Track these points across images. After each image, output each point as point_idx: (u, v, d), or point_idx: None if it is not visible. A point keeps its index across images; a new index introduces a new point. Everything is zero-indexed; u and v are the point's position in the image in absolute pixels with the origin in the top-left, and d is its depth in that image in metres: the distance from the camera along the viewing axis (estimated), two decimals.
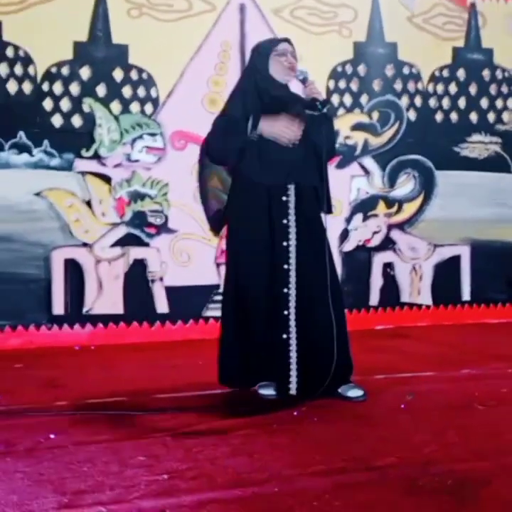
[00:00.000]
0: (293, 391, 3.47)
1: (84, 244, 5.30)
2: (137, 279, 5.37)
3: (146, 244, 5.42)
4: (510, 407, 3.42)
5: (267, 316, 3.51)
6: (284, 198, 3.49)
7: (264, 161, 3.47)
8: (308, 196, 3.53)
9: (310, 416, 3.28)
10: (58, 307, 5.23)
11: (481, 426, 3.14)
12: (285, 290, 3.48)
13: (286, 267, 3.48)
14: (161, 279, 5.42)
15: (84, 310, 5.29)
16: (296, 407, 3.39)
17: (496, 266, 6.07)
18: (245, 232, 3.54)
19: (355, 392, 3.54)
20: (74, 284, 5.26)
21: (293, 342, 3.47)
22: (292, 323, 3.48)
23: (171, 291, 5.43)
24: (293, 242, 3.48)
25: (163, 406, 3.46)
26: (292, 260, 3.48)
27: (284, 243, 3.48)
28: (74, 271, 5.26)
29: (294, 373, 3.47)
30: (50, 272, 5.20)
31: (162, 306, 5.43)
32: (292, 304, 3.48)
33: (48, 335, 5.20)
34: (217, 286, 5.47)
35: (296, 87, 3.68)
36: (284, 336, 3.47)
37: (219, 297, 5.41)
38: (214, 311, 5.43)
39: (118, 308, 5.34)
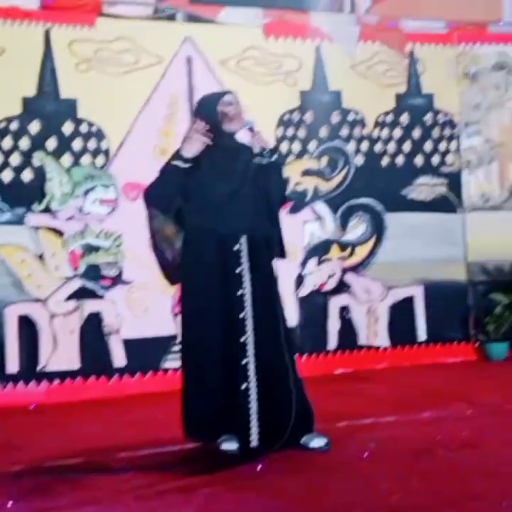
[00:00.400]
0: (254, 443, 3.36)
1: (38, 300, 5.13)
2: (93, 332, 5.22)
3: (101, 297, 5.28)
4: (472, 451, 3.36)
5: (224, 366, 3.42)
6: (236, 247, 3.45)
7: (215, 211, 3.44)
8: (260, 244, 3.50)
9: (274, 469, 3.17)
10: (12, 365, 5.04)
11: (445, 471, 3.07)
12: (242, 339, 3.40)
13: (242, 315, 3.41)
14: (118, 331, 5.28)
15: (39, 367, 5.10)
16: (260, 460, 3.27)
17: (448, 305, 6.06)
18: (199, 282, 3.48)
19: (318, 442, 3.44)
20: (28, 341, 5.08)
21: (253, 392, 3.38)
22: (251, 372, 3.39)
23: (128, 344, 5.28)
24: (248, 291, 3.43)
25: (125, 466, 3.32)
26: (248, 309, 3.42)
27: (239, 292, 3.42)
28: (28, 327, 5.09)
29: (254, 424, 3.36)
30: (2, 329, 5.03)
31: (119, 359, 5.27)
32: (250, 352, 3.40)
33: (2, 394, 4.98)
34: (175, 337, 5.33)
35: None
36: (244, 386, 3.38)
37: (177, 348, 5.32)
38: (173, 362, 5.29)
39: (74, 364, 5.17)
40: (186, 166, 3.45)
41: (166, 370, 5.35)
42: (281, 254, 3.60)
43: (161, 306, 5.36)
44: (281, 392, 3.38)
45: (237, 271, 3.43)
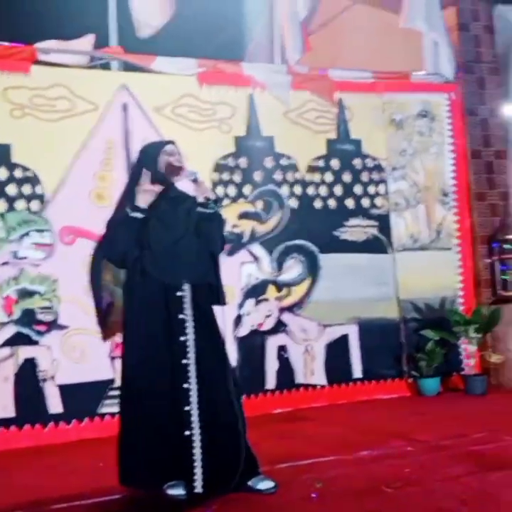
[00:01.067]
0: (199, 489, 3.24)
1: None
2: (28, 379, 4.96)
3: (36, 343, 5.02)
4: (416, 488, 3.30)
5: (168, 412, 3.30)
6: (179, 293, 3.38)
7: (160, 259, 3.38)
8: (203, 291, 3.45)
9: None
10: None
11: (392, 510, 3.01)
12: (185, 385, 3.30)
13: (185, 361, 3.32)
14: (53, 377, 5.02)
15: None
16: (207, 505, 3.14)
17: (382, 343, 6.02)
18: (141, 327, 3.38)
19: (265, 484, 3.35)
20: None
21: (196, 438, 3.27)
22: (195, 418, 3.29)
23: (64, 390, 5.03)
24: (191, 337, 3.35)
25: None
26: (191, 355, 3.34)
27: (182, 338, 3.34)
28: None
29: (198, 471, 3.25)
30: None
31: (55, 405, 5.01)
32: (194, 399, 3.30)
33: None
34: (113, 381, 5.13)
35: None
36: (187, 433, 3.27)
37: (115, 392, 5.09)
38: (110, 407, 5.07)
39: (9, 412, 4.89)
40: (142, 216, 3.39)
41: (103, 416, 5.12)
42: (221, 301, 3.54)
43: (98, 351, 5.11)
44: (229, 438, 3.29)
45: (180, 317, 3.35)
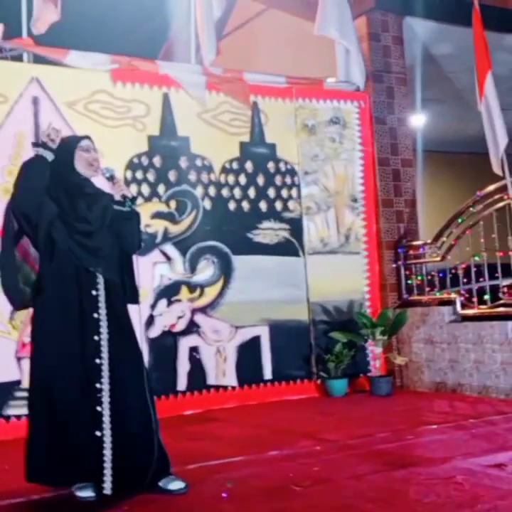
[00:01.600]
0: (107, 491, 3.20)
1: None
2: None
3: None
4: (325, 486, 3.37)
5: (78, 412, 3.24)
6: (93, 292, 3.33)
7: (74, 249, 3.33)
8: (116, 289, 3.41)
9: None
10: None
11: (302, 508, 3.06)
12: (97, 385, 3.26)
13: (98, 361, 3.28)
14: None
15: None
16: (118, 506, 3.11)
17: (292, 344, 6.14)
18: (54, 324, 3.30)
19: (176, 485, 3.35)
20: None
21: (107, 439, 3.23)
22: (106, 419, 3.25)
23: None
24: (105, 336, 3.31)
25: None
26: (104, 354, 3.29)
27: (96, 337, 3.29)
28: None
29: (108, 472, 3.21)
30: None
31: None
32: (105, 399, 3.26)
33: None
34: (19, 382, 5.00)
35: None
36: (98, 433, 3.22)
37: (22, 394, 4.97)
38: (16, 408, 4.95)
39: None
40: (52, 157, 3.35)
41: (8, 418, 4.99)
42: (135, 299, 3.53)
43: (4, 350, 5.01)
44: (141, 439, 3.27)
45: (95, 315, 3.31)
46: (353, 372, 6.31)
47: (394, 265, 6.71)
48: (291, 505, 3.10)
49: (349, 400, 6.00)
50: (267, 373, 6.03)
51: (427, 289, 6.49)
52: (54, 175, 3.40)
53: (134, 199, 3.47)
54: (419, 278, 6.56)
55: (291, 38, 7.74)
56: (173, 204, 5.87)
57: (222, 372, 5.86)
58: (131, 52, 6.07)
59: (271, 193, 6.32)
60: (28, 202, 3.29)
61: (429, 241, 6.56)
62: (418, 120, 8.37)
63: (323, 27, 6.72)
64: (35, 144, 3.45)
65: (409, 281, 6.64)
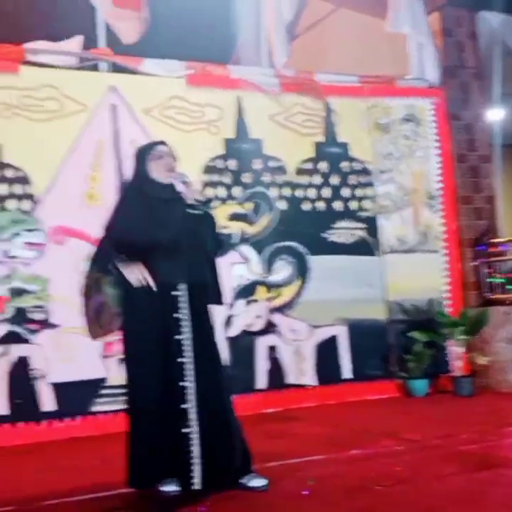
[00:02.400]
0: (197, 486, 3.33)
1: None
2: (21, 377, 5.08)
3: (29, 341, 5.16)
4: (407, 487, 3.40)
5: (166, 410, 3.39)
6: (173, 293, 3.47)
7: (154, 259, 3.47)
8: (199, 291, 3.52)
9: (217, 510, 3.14)
10: None
11: (384, 507, 3.10)
12: (182, 383, 3.40)
13: (180, 360, 3.42)
14: (45, 376, 5.15)
15: None
16: (201, 502, 3.23)
17: (370, 344, 6.22)
18: (139, 326, 3.46)
19: (258, 482, 3.44)
20: None
21: (194, 436, 3.37)
22: (193, 416, 3.38)
23: (57, 388, 5.16)
24: (187, 336, 3.44)
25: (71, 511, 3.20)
26: (187, 354, 3.43)
27: (177, 337, 3.43)
28: None
29: (196, 468, 3.34)
30: None
31: (48, 403, 5.13)
32: (191, 397, 3.40)
33: None
34: (104, 380, 5.27)
35: None
36: (185, 431, 3.36)
37: (107, 391, 5.24)
38: (102, 405, 5.22)
39: (2, 409, 5.01)
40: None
41: (95, 414, 5.25)
42: (219, 300, 3.65)
43: (90, 349, 5.25)
44: (225, 435, 3.39)
45: (176, 316, 3.44)
46: (433, 372, 6.33)
47: (474, 263, 6.70)
48: (373, 504, 3.14)
49: (430, 400, 6.02)
50: (346, 372, 6.13)
51: (510, 287, 6.45)
52: (133, 184, 3.64)
53: (206, 202, 3.61)
54: (501, 276, 6.53)
55: (362, 36, 7.84)
56: (249, 206, 6.06)
57: (301, 371, 5.99)
58: (203, 58, 6.30)
59: (345, 192, 6.43)
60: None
61: (511, 238, 6.54)
62: (495, 115, 8.31)
63: (396, 24, 6.80)
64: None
65: (490, 280, 6.62)
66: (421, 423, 5.06)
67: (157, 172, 3.56)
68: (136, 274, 3.42)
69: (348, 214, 6.40)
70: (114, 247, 3.47)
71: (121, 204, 3.62)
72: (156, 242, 3.47)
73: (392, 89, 6.79)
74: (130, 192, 3.69)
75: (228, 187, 6.02)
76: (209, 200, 3.62)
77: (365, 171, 6.54)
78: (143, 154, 3.62)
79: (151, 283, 3.43)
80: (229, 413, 3.45)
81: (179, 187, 3.57)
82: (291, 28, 7.50)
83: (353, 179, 6.48)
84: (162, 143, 3.66)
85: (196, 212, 3.53)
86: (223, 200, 5.97)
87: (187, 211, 3.53)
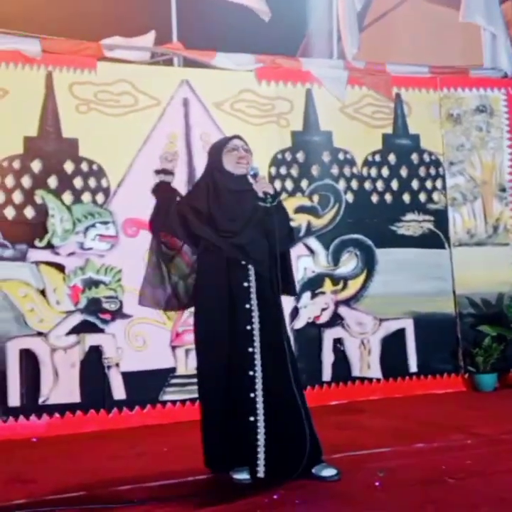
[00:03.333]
0: (261, 474, 3.33)
1: (40, 334, 5.05)
2: (93, 366, 5.13)
3: (102, 331, 5.20)
4: (478, 479, 3.34)
5: (234, 399, 3.41)
6: (245, 284, 3.46)
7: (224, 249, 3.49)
8: (267, 281, 3.51)
9: (290, 499, 3.12)
10: (14, 398, 4.94)
11: (457, 500, 3.05)
12: (251, 373, 3.40)
13: (251, 350, 3.42)
14: (117, 364, 5.19)
15: (41, 400, 4.99)
16: (272, 491, 3.22)
17: (438, 337, 6.05)
18: (210, 316, 3.49)
19: (329, 472, 3.42)
20: (29, 374, 4.98)
21: (260, 424, 3.36)
22: (260, 405, 3.38)
23: (128, 377, 5.19)
24: (256, 326, 3.43)
25: (140, 497, 3.23)
26: (257, 343, 3.42)
27: (248, 327, 3.43)
28: (29, 361, 5.00)
29: (261, 456, 3.34)
30: (4, 363, 4.93)
31: (119, 392, 5.17)
32: (259, 386, 3.39)
33: (4, 427, 4.87)
34: (174, 370, 5.30)
35: None
36: (251, 419, 3.36)
37: (176, 380, 5.26)
38: (171, 394, 5.25)
39: (75, 397, 5.07)
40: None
41: (164, 403, 5.27)
42: (290, 291, 3.64)
43: (160, 340, 5.30)
44: (293, 425, 3.38)
45: (247, 306, 3.45)
46: (502, 366, 6.11)
47: None
48: (446, 496, 3.09)
49: (499, 395, 5.84)
50: (413, 366, 5.97)
51: None
52: (207, 176, 3.65)
53: (275, 195, 3.54)
54: None
55: (433, 26, 7.60)
56: (316, 198, 5.95)
57: (367, 364, 5.87)
58: (271, 50, 6.19)
59: (414, 184, 6.24)
60: (168, 223, 3.67)
61: None
62: None
63: (469, 13, 6.54)
64: (157, 172, 3.70)
65: None
66: (489, 418, 4.93)
67: (230, 164, 3.59)
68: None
69: (416, 206, 6.20)
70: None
71: (194, 191, 3.68)
72: (225, 233, 3.48)
73: (465, 80, 6.54)
74: (203, 182, 3.71)
75: (296, 180, 5.91)
76: (279, 193, 3.59)
77: (435, 163, 6.33)
78: (218, 148, 3.66)
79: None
80: (298, 403, 3.42)
81: (251, 179, 3.57)
82: (361, 19, 7.31)
83: (422, 171, 6.28)
84: (237, 137, 3.69)
85: (265, 204, 3.51)
86: (291, 193, 5.87)
87: (257, 203, 3.51)
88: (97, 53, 5.52)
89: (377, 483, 3.30)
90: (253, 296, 3.46)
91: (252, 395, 3.37)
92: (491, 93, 6.57)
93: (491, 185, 6.46)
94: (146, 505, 3.13)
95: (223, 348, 3.42)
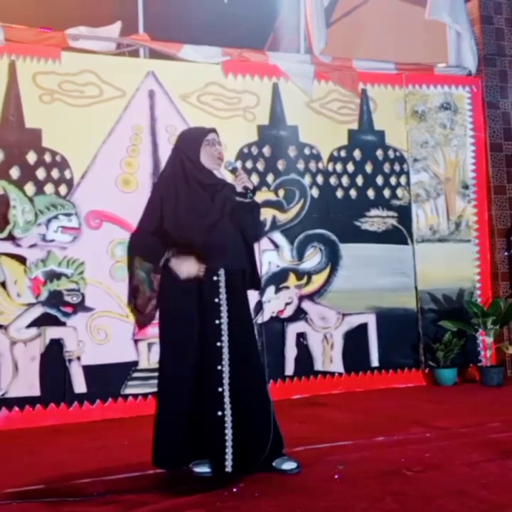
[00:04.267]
0: (229, 468, 3.31)
1: None
2: (54, 359, 5.08)
3: (63, 324, 5.15)
4: (437, 472, 3.37)
5: (199, 392, 3.37)
6: (214, 278, 3.43)
7: (193, 243, 3.41)
8: (237, 276, 3.49)
9: (250, 491, 3.12)
10: None
11: (416, 491, 3.07)
12: (219, 367, 3.38)
13: (219, 344, 3.39)
14: (79, 358, 5.15)
15: (0, 393, 4.93)
16: (234, 483, 3.22)
17: (400, 332, 6.12)
18: (176, 310, 3.44)
19: (289, 465, 3.43)
20: None
21: (228, 419, 3.34)
22: (227, 400, 3.36)
23: (89, 370, 5.15)
24: (225, 320, 3.41)
25: (98, 490, 3.20)
26: (225, 338, 3.40)
27: (216, 321, 3.40)
28: None
29: (229, 450, 3.32)
30: None
31: (80, 385, 5.13)
32: (226, 381, 3.37)
33: None
34: (136, 363, 5.27)
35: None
36: (219, 413, 3.34)
37: (138, 374, 5.24)
38: (133, 388, 5.22)
39: (34, 391, 5.02)
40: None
41: (126, 397, 5.24)
42: (256, 285, 3.61)
43: (122, 333, 5.27)
44: (259, 419, 3.37)
45: (215, 300, 3.42)
46: (462, 361, 6.22)
47: (506, 253, 6.54)
48: (405, 488, 3.12)
49: (459, 390, 5.92)
50: (374, 361, 6.03)
51: None
52: (179, 167, 3.50)
53: (254, 190, 3.49)
54: None
55: (399, 23, 7.64)
56: (281, 193, 5.96)
57: (330, 358, 5.91)
58: (238, 43, 6.18)
59: (379, 180, 6.29)
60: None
61: None
62: None
63: (435, 11, 6.60)
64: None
65: None
66: (450, 411, 4.99)
67: (208, 158, 3.49)
68: (187, 270, 3.37)
69: (381, 202, 6.26)
70: (161, 237, 3.42)
71: (164, 188, 3.51)
72: (196, 228, 3.41)
73: (430, 77, 6.61)
74: (174, 175, 3.54)
75: (262, 174, 5.92)
76: (256, 188, 3.53)
77: (399, 159, 6.39)
78: (196, 139, 3.53)
79: (201, 274, 3.38)
80: (263, 397, 3.42)
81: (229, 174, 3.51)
82: (328, 14, 7.33)
83: (387, 167, 6.34)
84: (214, 130, 3.58)
85: (244, 200, 3.45)
86: (256, 187, 5.84)
87: (232, 198, 3.46)
88: (61, 43, 5.45)
89: (336, 476, 3.32)
90: (222, 290, 3.42)
91: (219, 389, 3.35)
92: (456, 91, 6.65)
93: (454, 182, 6.54)
94: (104, 498, 3.11)
95: (190, 343, 3.39)
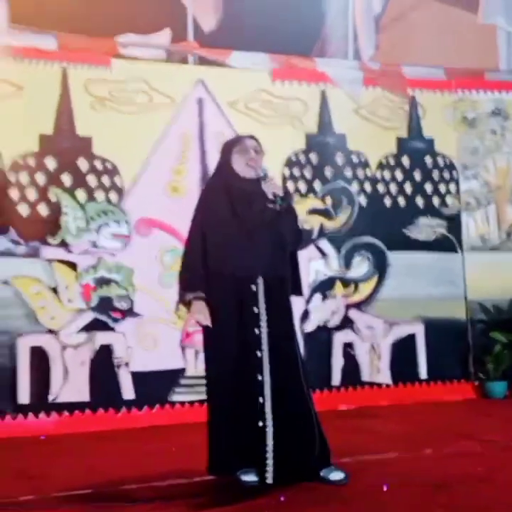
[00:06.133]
0: (269, 480, 3.34)
1: (50, 331, 5.12)
2: (103, 364, 5.19)
3: (112, 330, 5.26)
4: (489, 485, 3.36)
5: (243, 403, 3.41)
6: (253, 288, 3.47)
7: (232, 253, 3.47)
8: (276, 285, 3.51)
9: (297, 501, 3.16)
10: (23, 396, 5.00)
11: (466, 505, 3.07)
12: (259, 377, 3.40)
13: (259, 354, 3.42)
14: (127, 364, 5.25)
15: (50, 398, 5.06)
16: (280, 493, 3.25)
17: (449, 343, 6.08)
18: (218, 321, 3.48)
19: (337, 475, 3.45)
20: (39, 372, 5.05)
21: (269, 430, 3.37)
22: (268, 410, 3.39)
23: (137, 377, 5.25)
24: (264, 330, 3.44)
25: (149, 496, 3.27)
26: (265, 347, 3.43)
27: (256, 331, 3.43)
28: (39, 358, 5.06)
29: (270, 462, 3.35)
30: (15, 359, 5.00)
31: (128, 391, 5.23)
32: (267, 391, 3.40)
33: (13, 424, 4.94)
34: (183, 370, 5.35)
35: None
36: (260, 424, 3.37)
37: (186, 381, 5.32)
38: (180, 395, 5.29)
39: (84, 396, 5.14)
40: None
41: (173, 403, 5.32)
42: (298, 291, 3.64)
43: (170, 340, 5.36)
44: (302, 429, 3.39)
45: (255, 311, 3.45)
46: None
47: None
48: (455, 501, 3.12)
49: (509, 403, 5.85)
50: (423, 372, 6.00)
51: None
52: (218, 177, 3.64)
53: (284, 197, 3.52)
54: None
55: (449, 28, 7.61)
56: (329, 200, 5.98)
57: (377, 369, 5.91)
58: (286, 50, 6.22)
59: (428, 188, 6.27)
60: None
61: None
62: None
63: (489, 15, 6.54)
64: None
65: None
66: (500, 425, 4.95)
67: (239, 165, 3.56)
68: (198, 316, 3.47)
69: (430, 210, 6.23)
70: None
71: (205, 201, 3.61)
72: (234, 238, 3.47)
73: (480, 83, 6.56)
74: (213, 184, 3.70)
75: (309, 181, 5.95)
76: (289, 194, 3.55)
77: (449, 167, 6.35)
78: (227, 147, 3.64)
79: (209, 323, 3.46)
80: (306, 406, 3.44)
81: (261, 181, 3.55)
82: (377, 20, 7.34)
83: (436, 175, 6.31)
84: (250, 137, 3.65)
85: (275, 207, 3.49)
86: (303, 195, 5.90)
87: (267, 205, 3.50)
88: (111, 50, 5.57)
89: (385, 487, 3.33)
90: (261, 300, 3.45)
91: (260, 399, 3.38)
92: (506, 96, 6.58)
93: (505, 190, 6.48)
94: (152, 504, 3.17)
95: (231, 352, 3.43)
